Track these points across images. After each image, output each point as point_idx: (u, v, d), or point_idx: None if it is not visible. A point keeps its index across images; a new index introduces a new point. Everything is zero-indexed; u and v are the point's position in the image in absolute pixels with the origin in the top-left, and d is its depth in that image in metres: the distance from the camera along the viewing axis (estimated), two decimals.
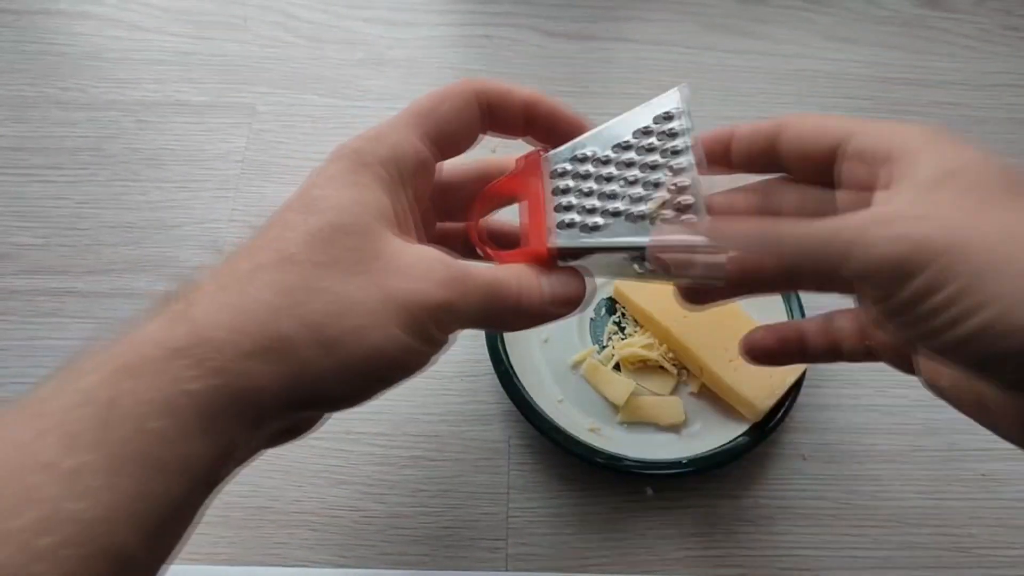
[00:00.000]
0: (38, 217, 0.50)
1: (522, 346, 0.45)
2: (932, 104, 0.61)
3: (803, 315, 0.46)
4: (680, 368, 0.46)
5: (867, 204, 0.24)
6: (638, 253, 0.25)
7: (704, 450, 0.42)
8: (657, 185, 0.26)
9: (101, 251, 0.49)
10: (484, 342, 0.44)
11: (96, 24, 0.59)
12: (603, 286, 0.49)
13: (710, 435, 0.43)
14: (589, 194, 0.27)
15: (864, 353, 0.30)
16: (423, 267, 0.23)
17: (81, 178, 0.52)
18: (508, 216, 0.31)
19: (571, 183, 0.27)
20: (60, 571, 0.18)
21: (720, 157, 0.28)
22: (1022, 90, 0.62)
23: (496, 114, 0.28)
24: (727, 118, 0.58)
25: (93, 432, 0.19)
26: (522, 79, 0.55)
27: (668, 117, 0.26)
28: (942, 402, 0.28)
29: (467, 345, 0.47)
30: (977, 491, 0.44)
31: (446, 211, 0.31)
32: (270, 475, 0.42)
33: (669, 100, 0.27)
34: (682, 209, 0.25)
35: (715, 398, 0.45)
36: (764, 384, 0.43)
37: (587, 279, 0.27)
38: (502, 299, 0.25)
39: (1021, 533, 0.43)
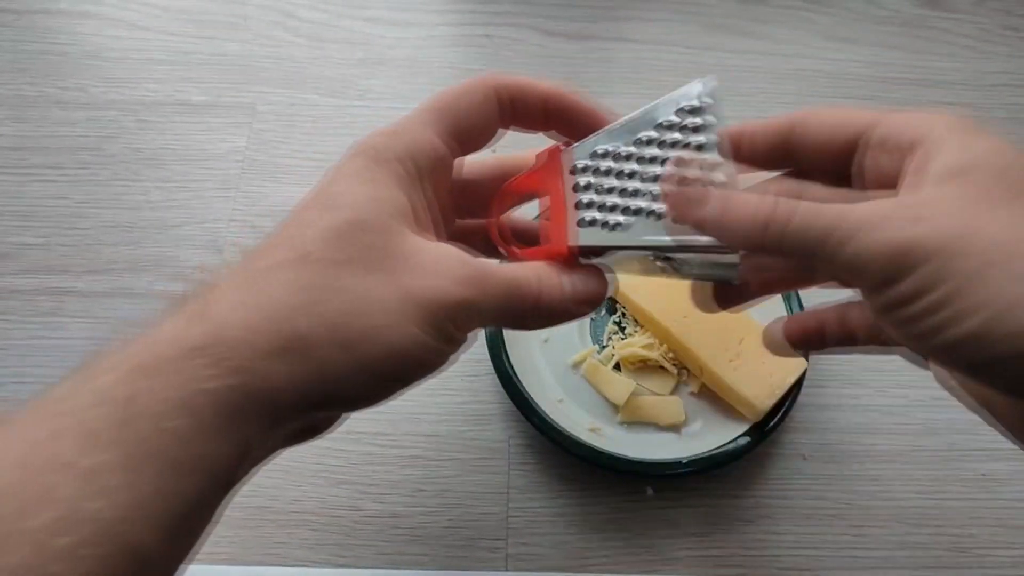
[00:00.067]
0: (38, 217, 0.50)
1: (522, 346, 0.45)
2: (932, 104, 0.61)
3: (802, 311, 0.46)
4: (680, 368, 0.46)
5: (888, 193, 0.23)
6: (661, 252, 0.25)
7: (704, 450, 0.42)
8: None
9: (101, 251, 0.49)
10: (484, 342, 0.44)
11: (96, 24, 0.59)
12: None
13: (710, 435, 0.43)
14: (611, 191, 0.26)
15: (879, 343, 0.29)
16: (442, 265, 0.23)
17: (81, 178, 0.52)
18: (528, 212, 0.30)
19: (592, 179, 0.26)
20: (78, 571, 0.18)
21: (731, 155, 0.28)
22: (1022, 90, 0.62)
23: (516, 109, 0.27)
24: (727, 118, 0.57)
25: (110, 431, 0.19)
26: None
27: (692, 111, 0.25)
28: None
29: None
30: (977, 491, 0.44)
31: (465, 208, 0.30)
32: (270, 475, 0.42)
33: (693, 92, 0.25)
34: None
35: (715, 398, 0.45)
36: (764, 384, 0.43)
37: (608, 276, 0.27)
38: (522, 297, 0.24)
39: (1021, 533, 0.43)
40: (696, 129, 0.25)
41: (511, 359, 0.44)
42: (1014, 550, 0.43)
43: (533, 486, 0.43)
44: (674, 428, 0.44)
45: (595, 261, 0.27)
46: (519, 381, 0.43)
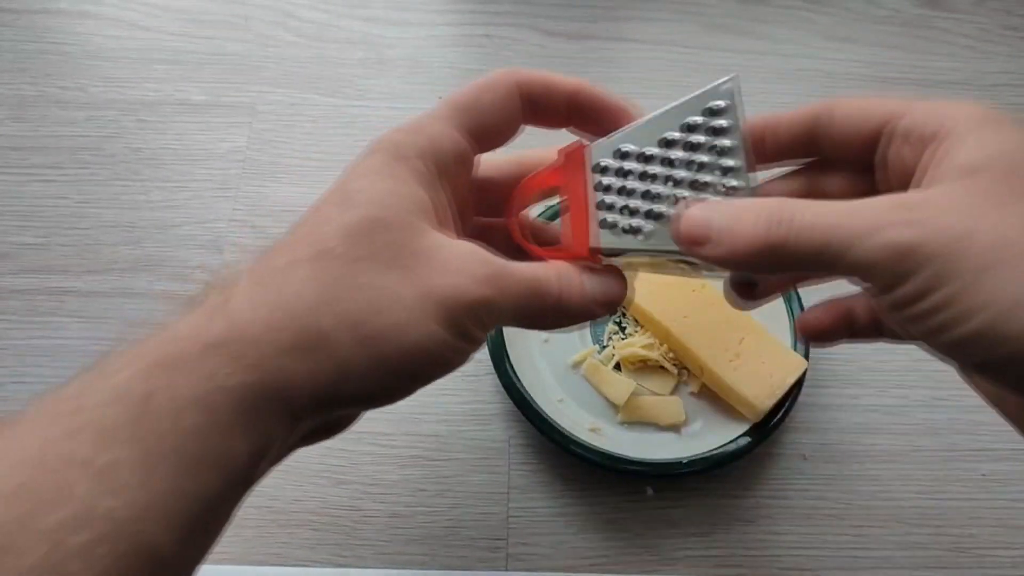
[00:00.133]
0: (38, 217, 0.50)
1: (522, 346, 0.45)
2: None
3: (802, 310, 0.46)
4: (680, 368, 0.46)
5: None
6: (682, 256, 0.25)
7: (704, 450, 0.42)
8: (705, 186, 0.25)
9: (101, 251, 0.49)
10: (484, 342, 0.44)
11: (96, 23, 0.59)
12: None
13: (710, 435, 0.43)
14: (634, 193, 0.26)
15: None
16: (462, 263, 0.23)
17: (81, 177, 0.52)
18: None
19: (614, 180, 0.26)
20: (94, 569, 0.18)
21: (755, 148, 0.27)
22: (1022, 90, 0.62)
23: (538, 105, 0.27)
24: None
25: (127, 428, 0.19)
26: None
27: (717, 112, 0.25)
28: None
29: None
30: (977, 491, 0.45)
31: (486, 205, 0.30)
32: (270, 475, 0.42)
33: (719, 92, 0.25)
34: None
35: (715, 398, 0.45)
36: (764, 384, 0.43)
37: (627, 275, 0.27)
38: (542, 297, 0.24)
39: (1021, 533, 0.43)
40: (719, 131, 0.25)
41: (511, 359, 0.44)
42: (1014, 550, 0.43)
43: (533, 486, 0.43)
44: (674, 428, 0.44)
45: (614, 261, 0.27)
46: (519, 381, 0.43)
